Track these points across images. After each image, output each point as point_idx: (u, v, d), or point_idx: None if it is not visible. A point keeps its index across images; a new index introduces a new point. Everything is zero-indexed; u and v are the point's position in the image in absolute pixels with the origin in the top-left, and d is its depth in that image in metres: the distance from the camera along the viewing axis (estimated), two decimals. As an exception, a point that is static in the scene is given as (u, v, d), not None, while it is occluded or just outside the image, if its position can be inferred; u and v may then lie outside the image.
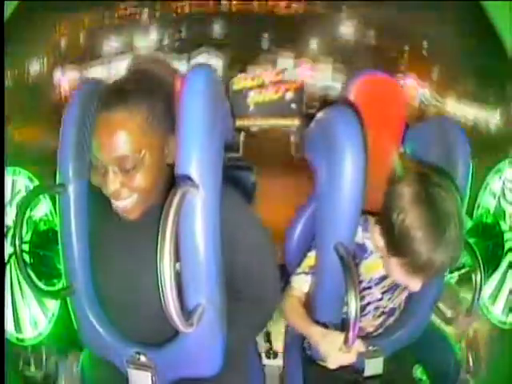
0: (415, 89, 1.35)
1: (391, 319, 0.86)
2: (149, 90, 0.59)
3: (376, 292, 0.81)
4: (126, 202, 0.60)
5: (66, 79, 1.26)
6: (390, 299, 0.83)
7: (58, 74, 1.26)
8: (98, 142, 0.58)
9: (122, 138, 0.56)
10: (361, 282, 0.78)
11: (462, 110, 1.30)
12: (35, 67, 1.22)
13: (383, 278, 0.79)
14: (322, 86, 1.58)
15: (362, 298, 0.79)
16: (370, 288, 0.80)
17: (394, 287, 0.81)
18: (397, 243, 0.65)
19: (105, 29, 1.27)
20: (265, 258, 0.71)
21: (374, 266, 0.78)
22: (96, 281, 0.69)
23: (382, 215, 0.69)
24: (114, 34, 1.27)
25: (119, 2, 1.28)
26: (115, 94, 0.58)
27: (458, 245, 0.63)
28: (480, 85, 1.27)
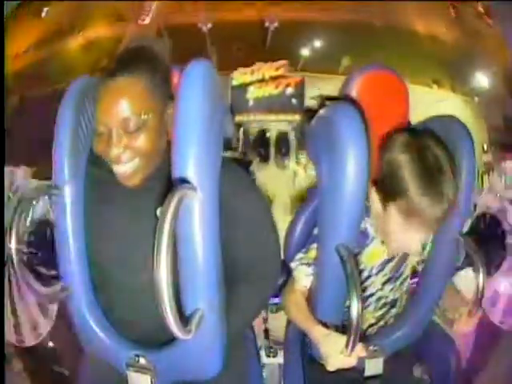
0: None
1: (393, 311, 0.86)
2: (149, 61, 0.63)
3: (377, 281, 0.81)
4: (127, 166, 0.61)
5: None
6: (391, 290, 0.83)
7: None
8: (103, 106, 0.60)
9: (127, 100, 0.59)
10: (362, 271, 0.78)
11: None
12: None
13: (385, 263, 0.79)
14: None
15: (364, 290, 0.79)
16: (370, 277, 0.80)
17: (396, 275, 0.81)
18: (391, 189, 0.68)
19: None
20: (266, 231, 0.71)
21: (375, 253, 0.79)
22: (96, 258, 0.68)
23: (378, 171, 0.70)
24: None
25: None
26: (118, 64, 0.62)
27: (451, 191, 0.66)
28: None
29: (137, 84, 0.60)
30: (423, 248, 0.80)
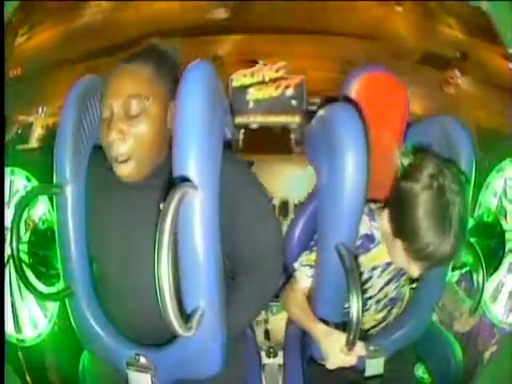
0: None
1: (394, 311, 0.86)
2: (157, 54, 0.66)
3: (377, 283, 0.81)
4: (125, 165, 0.61)
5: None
6: (396, 287, 0.82)
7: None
8: (109, 89, 0.62)
9: (131, 81, 0.62)
10: (361, 273, 0.78)
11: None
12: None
13: (387, 265, 0.79)
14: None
15: (364, 292, 0.79)
16: (370, 278, 0.80)
17: (401, 274, 0.81)
18: (404, 228, 0.66)
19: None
20: (268, 227, 0.70)
21: (379, 255, 0.78)
22: (96, 258, 0.69)
23: (393, 200, 0.70)
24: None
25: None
26: (127, 58, 0.65)
27: (462, 238, 0.64)
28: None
29: (142, 70, 0.63)
30: None
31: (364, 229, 0.75)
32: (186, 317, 0.56)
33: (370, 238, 0.77)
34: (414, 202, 0.64)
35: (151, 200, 0.63)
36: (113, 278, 0.68)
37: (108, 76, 0.64)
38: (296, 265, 0.81)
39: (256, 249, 0.69)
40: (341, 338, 0.63)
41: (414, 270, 0.69)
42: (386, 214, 0.71)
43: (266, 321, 1.30)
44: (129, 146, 0.61)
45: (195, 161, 0.55)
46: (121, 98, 0.61)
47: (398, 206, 0.68)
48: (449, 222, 0.62)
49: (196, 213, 0.56)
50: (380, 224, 0.73)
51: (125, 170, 0.62)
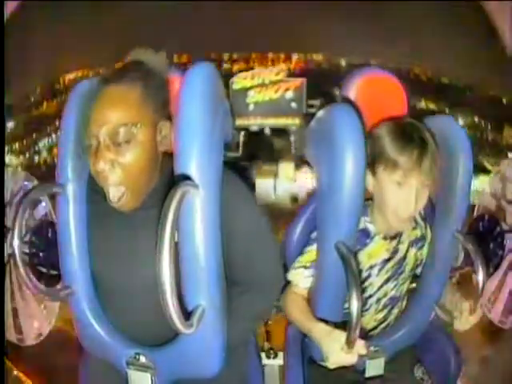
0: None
1: (394, 311, 0.86)
2: (144, 73, 0.62)
3: (376, 282, 0.81)
4: (116, 193, 0.59)
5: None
6: (395, 286, 0.83)
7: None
8: (94, 117, 0.59)
9: (117, 107, 0.58)
10: (360, 271, 0.78)
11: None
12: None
13: (384, 262, 0.80)
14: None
15: (363, 291, 0.80)
16: (369, 277, 0.80)
17: (398, 272, 0.82)
18: (374, 156, 0.74)
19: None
20: (265, 243, 0.70)
21: (375, 251, 0.79)
22: (96, 275, 0.68)
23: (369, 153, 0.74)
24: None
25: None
26: (113, 74, 0.61)
27: (422, 142, 0.72)
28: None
29: (128, 93, 0.59)
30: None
31: (359, 224, 0.75)
32: (186, 314, 0.56)
33: (365, 233, 0.79)
34: (379, 136, 0.74)
35: (147, 223, 0.61)
36: (113, 278, 0.68)
37: (92, 100, 0.60)
38: (291, 271, 0.81)
39: (255, 269, 0.69)
40: (341, 336, 0.63)
41: (409, 202, 0.72)
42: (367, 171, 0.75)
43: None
44: (118, 175, 0.59)
45: (196, 160, 0.56)
46: (107, 127, 0.57)
47: (370, 151, 0.72)
48: (408, 134, 0.72)
49: (197, 211, 0.56)
50: (367, 182, 0.76)
51: (118, 201, 0.60)
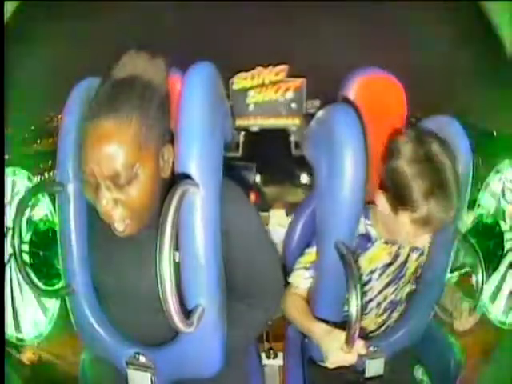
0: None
1: (394, 315, 0.86)
2: (140, 98, 0.55)
3: (376, 286, 0.81)
4: (120, 225, 0.57)
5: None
6: (395, 290, 0.83)
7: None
8: (90, 155, 0.53)
9: (115, 152, 0.52)
10: (360, 275, 0.78)
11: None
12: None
13: (386, 266, 0.80)
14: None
15: (363, 295, 0.79)
16: (370, 281, 0.80)
17: (400, 276, 0.81)
18: (400, 198, 0.69)
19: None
20: (265, 254, 0.70)
21: (377, 255, 0.79)
22: (96, 280, 0.69)
23: (384, 183, 0.71)
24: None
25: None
26: (105, 101, 0.54)
27: (458, 197, 0.68)
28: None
29: (126, 130, 0.52)
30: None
31: (360, 228, 0.76)
32: (187, 313, 0.56)
33: (366, 237, 0.78)
34: (403, 175, 0.67)
35: (148, 241, 0.60)
36: (113, 278, 0.68)
37: (84, 126, 0.54)
38: (291, 274, 0.81)
39: (254, 277, 0.68)
40: (340, 335, 0.63)
41: (424, 239, 0.71)
42: (381, 197, 0.72)
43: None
44: (122, 212, 0.55)
45: (197, 159, 0.56)
46: (106, 169, 0.52)
47: (391, 185, 0.69)
48: (441, 182, 0.66)
49: (197, 210, 0.56)
50: (381, 206, 0.73)
51: (122, 232, 0.57)
